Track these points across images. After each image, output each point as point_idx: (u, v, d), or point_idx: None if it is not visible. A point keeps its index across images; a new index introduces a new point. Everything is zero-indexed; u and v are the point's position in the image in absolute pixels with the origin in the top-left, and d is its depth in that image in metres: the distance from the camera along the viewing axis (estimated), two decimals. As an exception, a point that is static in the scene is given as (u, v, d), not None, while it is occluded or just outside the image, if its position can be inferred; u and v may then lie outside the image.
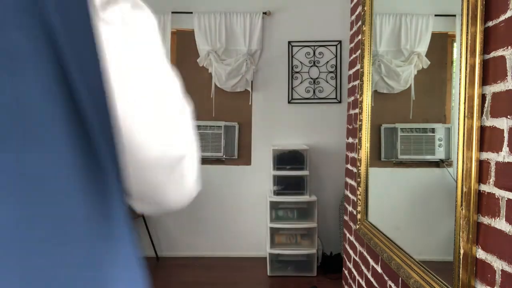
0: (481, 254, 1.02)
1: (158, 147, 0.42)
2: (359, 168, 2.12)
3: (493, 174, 0.98)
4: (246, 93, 3.76)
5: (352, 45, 2.53)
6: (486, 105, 1.01)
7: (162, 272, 3.49)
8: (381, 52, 1.99)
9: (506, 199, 0.92)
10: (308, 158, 3.52)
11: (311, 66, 3.80)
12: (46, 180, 0.30)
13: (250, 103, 3.78)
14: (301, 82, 3.81)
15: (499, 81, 0.96)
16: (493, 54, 0.99)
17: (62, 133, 0.31)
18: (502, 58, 0.95)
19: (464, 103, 1.04)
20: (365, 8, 2.06)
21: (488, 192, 1.00)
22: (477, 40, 1.02)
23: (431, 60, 1.54)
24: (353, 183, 2.38)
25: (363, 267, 2.15)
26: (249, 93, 3.80)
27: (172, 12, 3.73)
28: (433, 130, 1.58)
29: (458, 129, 1.07)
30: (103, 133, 0.34)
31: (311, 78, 3.80)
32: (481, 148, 1.03)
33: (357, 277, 2.27)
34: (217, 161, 3.76)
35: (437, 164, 1.59)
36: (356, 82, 2.37)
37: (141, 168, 0.41)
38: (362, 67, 2.10)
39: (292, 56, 3.80)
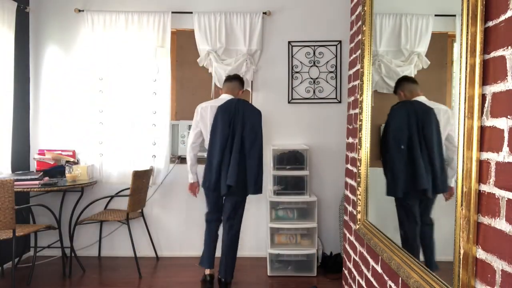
0: (481, 254, 1.02)
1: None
2: (359, 168, 2.12)
3: (493, 174, 0.98)
4: (246, 93, 3.75)
5: (352, 45, 2.52)
6: (486, 105, 1.01)
7: (162, 272, 3.49)
8: (381, 52, 1.98)
9: (506, 199, 0.92)
10: (308, 158, 3.52)
11: (311, 66, 3.80)
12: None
13: (250, 103, 3.78)
14: (301, 82, 3.81)
15: (499, 81, 0.96)
16: (493, 54, 0.99)
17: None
18: (502, 58, 0.95)
19: (464, 103, 1.04)
20: (365, 8, 2.06)
21: (488, 192, 1.00)
22: (477, 40, 1.01)
23: (431, 60, 1.54)
24: (353, 183, 2.38)
25: (363, 267, 2.15)
26: (249, 93, 3.80)
27: (172, 12, 3.73)
28: (433, 130, 1.57)
29: (458, 129, 1.06)
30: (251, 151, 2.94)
31: (311, 78, 3.80)
32: (481, 148, 1.03)
33: (357, 277, 2.27)
34: (217, 161, 3.75)
35: (437, 164, 1.58)
36: (356, 82, 2.37)
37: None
38: (362, 67, 2.10)
39: (292, 56, 3.80)
